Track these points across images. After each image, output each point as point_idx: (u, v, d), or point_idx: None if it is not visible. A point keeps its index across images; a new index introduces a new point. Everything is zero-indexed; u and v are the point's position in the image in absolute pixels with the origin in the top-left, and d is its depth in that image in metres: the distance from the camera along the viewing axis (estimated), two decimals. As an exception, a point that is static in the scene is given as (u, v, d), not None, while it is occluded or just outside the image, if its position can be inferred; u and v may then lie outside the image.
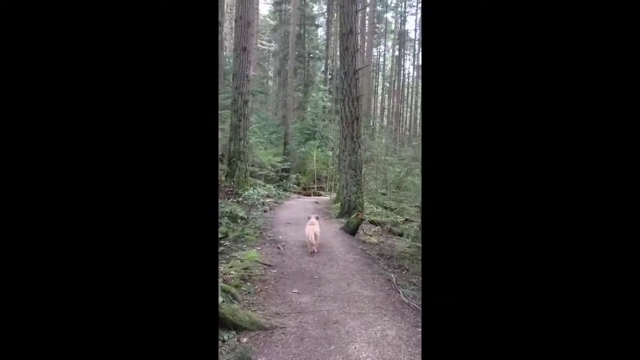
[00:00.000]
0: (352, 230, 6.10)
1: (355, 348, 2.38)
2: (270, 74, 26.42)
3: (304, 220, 7.22)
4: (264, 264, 4.13)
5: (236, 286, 3.29)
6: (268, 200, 9.83)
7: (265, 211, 5.64)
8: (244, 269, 3.81)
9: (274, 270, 3.97)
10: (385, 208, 8.94)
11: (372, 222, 7.63)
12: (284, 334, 2.52)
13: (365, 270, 4.20)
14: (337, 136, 11.05)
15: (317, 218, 5.05)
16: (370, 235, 6.61)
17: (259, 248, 4.80)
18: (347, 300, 3.22)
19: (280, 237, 5.53)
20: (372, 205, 8.88)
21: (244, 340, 2.39)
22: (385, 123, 25.57)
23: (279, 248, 4.85)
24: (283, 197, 11.28)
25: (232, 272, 3.63)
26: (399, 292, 3.64)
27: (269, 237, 5.48)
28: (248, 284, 3.45)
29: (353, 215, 6.24)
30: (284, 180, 12.82)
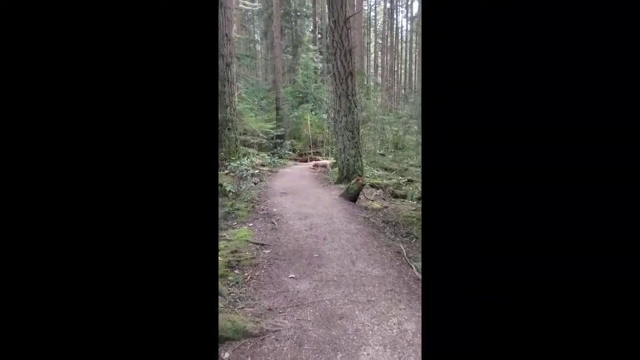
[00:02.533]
0: (352, 197, 5.51)
1: (367, 355, 1.84)
2: (257, 37, 24.73)
3: (301, 189, 6.65)
4: (256, 244, 3.56)
5: (222, 276, 2.73)
6: (264, 169, 9.21)
7: (255, 183, 5.01)
8: (232, 252, 3.24)
9: (267, 251, 3.40)
10: (386, 170, 8.34)
11: (373, 186, 7.04)
12: (277, 339, 1.97)
13: (371, 243, 3.64)
14: (330, 97, 10.18)
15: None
16: (372, 200, 6.04)
17: (251, 224, 4.22)
18: (353, 285, 2.67)
19: (275, 209, 4.94)
20: (372, 168, 8.25)
21: (226, 356, 1.83)
22: (379, 81, 24.30)
23: (273, 223, 4.27)
24: (279, 164, 10.63)
25: (219, 257, 3.06)
26: (411, 266, 3.10)
27: (263, 210, 4.89)
28: (236, 271, 2.89)
29: (353, 181, 5.62)
30: (278, 148, 12.11)
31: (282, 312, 2.27)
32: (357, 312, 2.26)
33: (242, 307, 2.31)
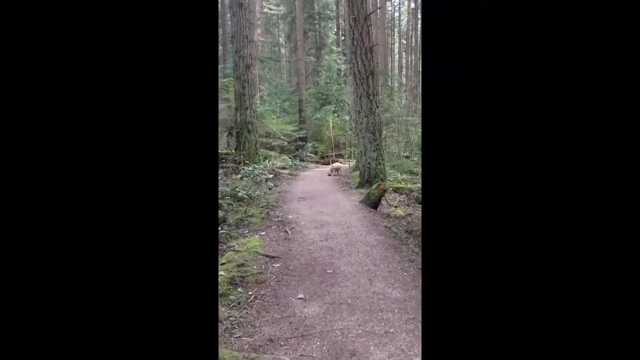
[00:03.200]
0: (373, 203, 5.10)
1: (383, 412, 1.46)
2: (282, 40, 24.70)
3: (320, 193, 6.31)
4: (266, 255, 3.25)
5: (223, 295, 2.43)
6: (284, 172, 8.95)
7: (270, 188, 4.70)
8: (238, 265, 2.95)
9: (277, 265, 3.08)
10: (411, 173, 7.84)
11: (396, 191, 6.59)
12: (274, 383, 1.63)
13: (392, 257, 3.24)
14: (352, 98, 9.77)
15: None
16: (395, 207, 5.60)
17: (263, 233, 3.93)
18: (369, 310, 2.29)
19: (290, 216, 4.62)
20: (395, 172, 7.78)
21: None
22: (404, 81, 23.59)
23: (286, 232, 3.95)
24: (300, 167, 10.35)
25: (222, 272, 2.77)
26: (437, 287, 2.68)
27: (277, 217, 4.58)
28: (240, 289, 2.59)
29: (374, 186, 5.21)
30: (300, 150, 11.84)
31: (284, 345, 1.93)
32: (372, 348, 1.88)
33: (239, 336, 1.99)
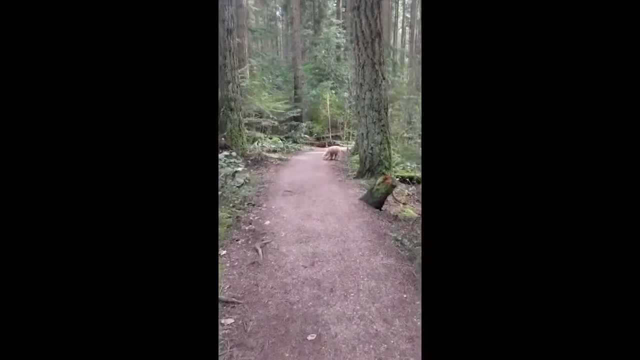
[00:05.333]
0: (378, 202, 3.87)
1: None
2: (278, 14, 22.74)
3: (311, 185, 5.07)
4: (217, 299, 2.05)
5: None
6: (273, 156, 7.69)
7: (238, 185, 3.52)
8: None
9: (230, 320, 1.88)
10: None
11: (403, 180, 5.36)
12: None
13: (411, 301, 2.05)
14: (350, 72, 8.32)
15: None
16: (404, 204, 4.38)
17: (224, 252, 2.71)
18: None
19: (268, 222, 3.40)
20: (401, 156, 6.50)
21: None
22: (407, 58, 21.82)
23: (257, 250, 2.73)
24: (292, 150, 9.07)
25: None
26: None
27: (250, 223, 3.36)
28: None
29: (379, 180, 3.96)
30: (293, 131, 10.50)
31: None
32: None
33: None
